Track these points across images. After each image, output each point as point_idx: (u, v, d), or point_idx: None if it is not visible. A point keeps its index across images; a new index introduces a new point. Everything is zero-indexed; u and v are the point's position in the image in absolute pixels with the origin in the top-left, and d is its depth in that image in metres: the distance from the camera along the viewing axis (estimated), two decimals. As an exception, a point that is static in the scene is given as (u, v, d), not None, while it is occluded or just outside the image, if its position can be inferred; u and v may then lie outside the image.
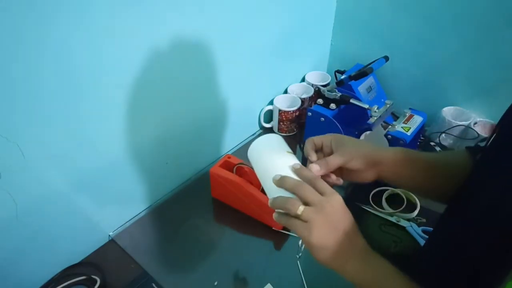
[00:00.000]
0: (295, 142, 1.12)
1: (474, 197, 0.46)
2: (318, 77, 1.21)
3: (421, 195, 0.83)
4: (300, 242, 0.51)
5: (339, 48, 1.25)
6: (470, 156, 0.58)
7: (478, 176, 0.48)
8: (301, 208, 0.45)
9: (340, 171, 0.56)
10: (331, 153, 0.56)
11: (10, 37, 0.53)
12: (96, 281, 0.73)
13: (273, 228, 0.83)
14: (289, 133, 1.14)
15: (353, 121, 0.97)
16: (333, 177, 0.55)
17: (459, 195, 0.51)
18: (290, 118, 1.10)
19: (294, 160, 0.53)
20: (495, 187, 0.42)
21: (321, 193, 0.47)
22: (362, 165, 0.55)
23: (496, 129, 0.51)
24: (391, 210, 0.86)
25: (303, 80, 1.23)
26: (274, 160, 0.53)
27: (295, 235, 0.82)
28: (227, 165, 0.87)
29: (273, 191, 0.50)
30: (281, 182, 0.49)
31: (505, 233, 0.38)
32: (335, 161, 0.54)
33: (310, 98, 1.14)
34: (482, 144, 0.58)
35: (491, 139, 0.49)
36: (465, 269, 0.43)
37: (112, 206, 0.83)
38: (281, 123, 1.11)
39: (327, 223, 0.45)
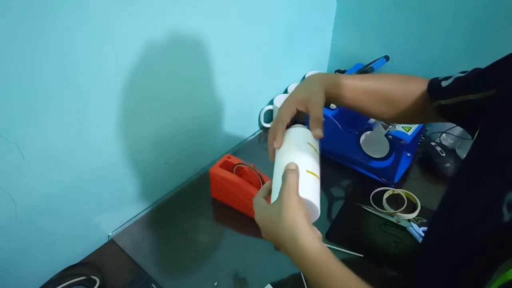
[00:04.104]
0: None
1: (472, 196, 0.46)
2: (318, 77, 1.21)
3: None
4: None
5: (340, 47, 1.25)
6: (428, 96, 0.61)
7: (475, 176, 0.48)
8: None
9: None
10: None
11: (9, 37, 0.53)
12: (95, 282, 0.73)
13: (273, 228, 0.83)
14: (289, 133, 1.13)
15: (353, 121, 0.97)
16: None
17: (459, 192, 0.51)
18: (290, 118, 1.09)
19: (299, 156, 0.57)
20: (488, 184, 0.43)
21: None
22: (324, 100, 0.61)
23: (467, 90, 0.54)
24: (391, 211, 0.86)
25: (303, 79, 1.22)
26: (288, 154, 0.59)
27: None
28: (227, 165, 0.87)
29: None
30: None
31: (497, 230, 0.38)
32: (319, 112, 0.59)
33: (310, 98, 1.14)
34: (446, 82, 0.59)
35: (479, 131, 0.49)
36: (461, 264, 0.44)
37: (111, 206, 0.83)
38: (281, 123, 1.11)
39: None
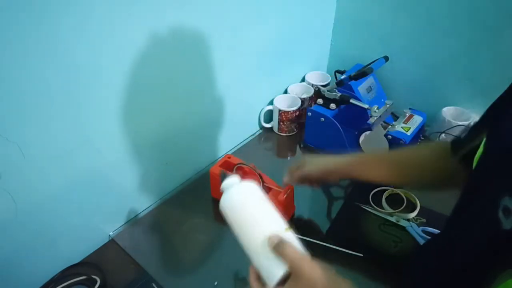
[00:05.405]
0: (295, 142, 1.13)
1: (471, 203, 0.46)
2: (318, 77, 1.21)
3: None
4: None
5: (339, 48, 1.25)
6: (451, 150, 0.61)
7: (474, 183, 0.49)
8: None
9: (311, 180, 0.76)
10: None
11: (11, 38, 0.53)
12: (96, 281, 0.73)
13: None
14: (289, 133, 1.14)
15: (353, 121, 0.98)
16: (308, 184, 0.76)
17: (461, 199, 0.51)
18: (290, 118, 1.10)
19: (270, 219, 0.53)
20: (490, 193, 0.43)
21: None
22: (319, 176, 0.73)
23: (483, 126, 0.53)
24: (391, 210, 0.86)
25: (303, 80, 1.23)
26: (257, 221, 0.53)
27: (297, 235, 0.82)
28: (227, 165, 0.87)
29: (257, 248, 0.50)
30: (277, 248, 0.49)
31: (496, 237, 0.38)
32: (296, 175, 0.74)
33: (310, 98, 1.14)
34: (465, 133, 0.60)
35: (484, 143, 0.49)
36: (460, 271, 0.44)
37: (112, 206, 0.83)
38: (281, 123, 1.11)
39: None
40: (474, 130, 0.57)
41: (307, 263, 0.47)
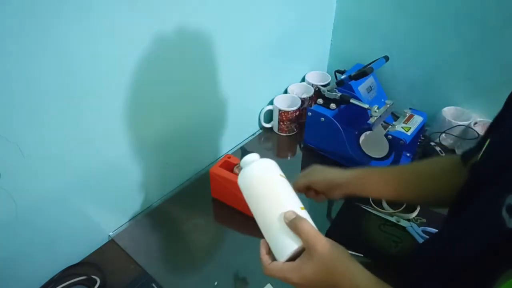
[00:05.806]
0: (295, 142, 1.12)
1: (470, 203, 0.46)
2: (318, 77, 1.21)
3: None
4: None
5: (339, 48, 1.25)
6: (461, 161, 0.61)
7: (473, 182, 0.49)
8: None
9: (316, 191, 0.70)
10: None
11: (10, 37, 0.53)
12: (96, 281, 0.73)
13: (273, 228, 0.83)
14: (289, 133, 1.14)
15: (353, 121, 0.97)
16: (312, 195, 0.70)
17: (459, 199, 0.51)
18: (290, 118, 1.10)
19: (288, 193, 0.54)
20: (488, 194, 0.43)
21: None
22: (324, 188, 0.68)
23: (488, 133, 0.52)
24: (391, 210, 0.86)
25: (303, 80, 1.23)
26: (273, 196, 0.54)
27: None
28: (227, 165, 0.87)
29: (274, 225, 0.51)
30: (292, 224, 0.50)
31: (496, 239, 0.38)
32: (300, 182, 0.69)
33: (310, 98, 1.14)
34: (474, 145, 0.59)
35: (486, 145, 0.49)
36: (461, 270, 0.44)
37: (112, 206, 0.83)
38: (281, 123, 1.11)
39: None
40: (482, 140, 0.56)
41: (321, 240, 0.48)
